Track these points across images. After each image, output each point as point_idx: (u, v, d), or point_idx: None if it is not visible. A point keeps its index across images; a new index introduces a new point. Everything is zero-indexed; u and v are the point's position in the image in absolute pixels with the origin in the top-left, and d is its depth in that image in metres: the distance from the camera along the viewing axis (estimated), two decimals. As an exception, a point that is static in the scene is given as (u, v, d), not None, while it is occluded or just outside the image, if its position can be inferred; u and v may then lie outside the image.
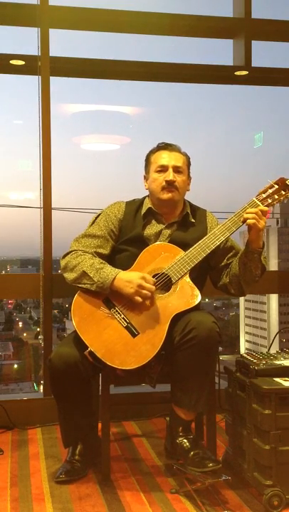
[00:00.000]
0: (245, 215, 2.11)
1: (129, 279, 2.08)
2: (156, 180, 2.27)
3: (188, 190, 2.35)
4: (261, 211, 2.11)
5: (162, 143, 2.33)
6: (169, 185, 2.24)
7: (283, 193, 2.18)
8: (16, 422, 2.81)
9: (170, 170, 2.25)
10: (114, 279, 2.09)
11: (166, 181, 2.24)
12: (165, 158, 2.27)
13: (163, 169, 2.26)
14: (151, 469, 2.31)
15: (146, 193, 2.37)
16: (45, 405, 2.85)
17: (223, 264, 2.29)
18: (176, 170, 2.26)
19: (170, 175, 2.25)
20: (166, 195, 2.25)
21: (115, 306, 2.12)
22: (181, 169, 2.28)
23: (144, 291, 2.07)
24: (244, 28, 3.20)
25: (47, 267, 2.92)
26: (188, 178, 2.34)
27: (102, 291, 2.12)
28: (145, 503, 2.01)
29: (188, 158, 2.34)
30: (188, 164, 2.34)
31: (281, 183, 2.18)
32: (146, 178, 2.35)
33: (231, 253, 2.29)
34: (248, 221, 2.10)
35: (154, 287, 2.09)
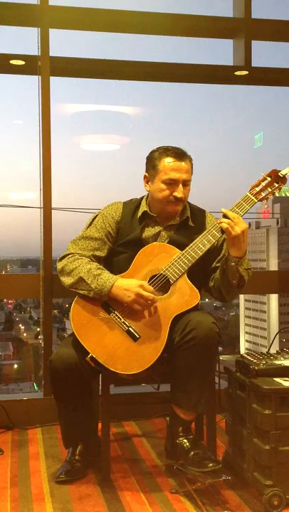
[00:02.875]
0: (220, 220, 2.08)
1: (127, 287, 2.07)
2: (163, 191, 2.19)
3: None
4: (233, 218, 2.05)
5: (171, 148, 2.23)
6: (177, 201, 2.21)
7: (276, 185, 2.16)
8: (16, 422, 2.81)
9: (180, 186, 2.19)
10: (111, 286, 2.08)
11: (175, 197, 2.19)
12: (176, 171, 2.18)
13: (172, 183, 2.19)
14: (151, 469, 2.31)
15: (146, 192, 2.34)
16: (45, 405, 2.85)
17: (212, 266, 2.25)
18: (185, 183, 2.21)
19: (180, 192, 2.18)
20: (171, 209, 2.22)
21: (114, 310, 2.11)
22: (189, 181, 2.23)
23: (142, 300, 2.06)
24: (244, 28, 3.20)
25: (47, 267, 2.92)
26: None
27: (100, 298, 2.11)
28: (145, 503, 2.01)
29: (192, 163, 2.26)
30: (192, 169, 2.27)
31: (273, 175, 2.17)
32: (147, 179, 2.27)
33: (220, 256, 2.23)
34: (221, 225, 2.06)
35: (152, 296, 2.07)
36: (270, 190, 2.16)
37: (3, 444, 2.60)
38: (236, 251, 2.09)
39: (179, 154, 2.22)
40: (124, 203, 2.34)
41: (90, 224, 2.29)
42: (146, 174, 2.27)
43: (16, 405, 2.87)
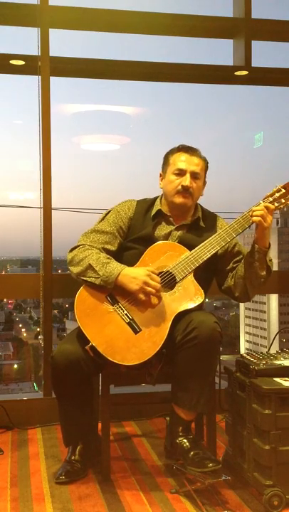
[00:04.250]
0: (254, 213, 2.12)
1: (134, 275, 2.08)
2: (172, 182, 2.26)
3: (201, 195, 2.34)
4: (267, 208, 2.12)
5: (184, 145, 2.31)
6: (185, 191, 2.24)
7: None
8: (16, 422, 2.80)
9: (188, 175, 2.24)
10: (119, 274, 2.09)
11: (182, 186, 2.24)
12: (184, 161, 2.26)
13: (181, 173, 2.25)
14: (151, 469, 2.31)
15: (159, 191, 2.38)
16: (45, 405, 2.85)
17: (229, 267, 2.29)
18: (194, 175, 2.25)
19: (187, 180, 2.24)
20: (179, 200, 2.26)
21: (118, 302, 2.12)
22: (199, 175, 2.27)
23: (149, 289, 2.07)
24: (244, 28, 3.20)
25: (47, 267, 2.92)
26: (204, 183, 2.34)
27: (107, 286, 2.11)
28: (145, 503, 2.01)
29: (206, 163, 2.33)
30: (206, 169, 2.34)
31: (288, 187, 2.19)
32: (162, 177, 2.34)
33: (238, 257, 2.30)
34: (254, 218, 2.11)
35: (159, 285, 2.08)
36: (283, 201, 2.19)
37: (3, 444, 2.60)
38: (265, 241, 2.15)
39: (190, 149, 2.30)
40: (137, 201, 2.38)
41: (103, 218, 2.33)
42: (161, 172, 2.34)
43: (16, 405, 2.87)
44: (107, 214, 2.34)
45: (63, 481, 2.17)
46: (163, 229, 2.29)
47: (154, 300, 2.09)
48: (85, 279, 2.15)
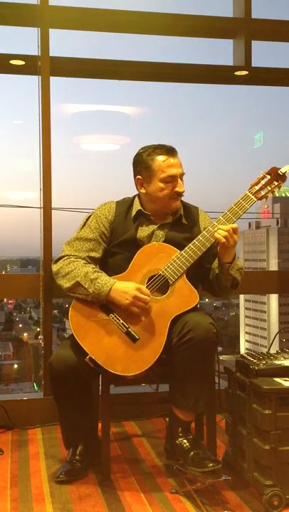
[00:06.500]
0: (216, 234, 2.10)
1: (125, 290, 2.06)
2: (164, 189, 2.19)
3: None
4: (233, 229, 2.10)
5: (160, 146, 2.23)
6: (178, 195, 2.22)
7: (276, 183, 2.17)
8: (16, 422, 2.80)
9: (179, 180, 2.21)
10: (109, 290, 2.07)
11: (177, 192, 2.21)
12: (173, 167, 2.19)
13: (172, 180, 2.20)
14: (151, 469, 2.31)
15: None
16: (45, 405, 2.85)
17: (212, 265, 2.27)
18: (181, 177, 2.23)
19: (182, 186, 2.21)
20: (175, 204, 2.23)
21: (113, 311, 2.10)
22: (183, 175, 2.25)
23: (140, 303, 2.06)
24: (244, 28, 3.20)
25: (47, 267, 2.91)
26: None
27: (98, 302, 2.11)
28: (145, 503, 2.01)
29: None
30: None
31: (273, 173, 2.17)
32: (141, 181, 2.24)
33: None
34: (217, 236, 2.09)
35: (149, 298, 2.07)
36: (269, 188, 2.16)
37: (3, 444, 2.60)
38: (228, 257, 2.14)
39: (170, 150, 2.23)
40: (116, 202, 2.33)
41: (84, 225, 2.28)
42: (140, 177, 2.24)
43: (16, 405, 2.87)
44: (87, 219, 2.28)
45: (63, 480, 2.17)
46: (145, 229, 2.24)
47: (149, 307, 2.08)
48: (75, 295, 2.13)
